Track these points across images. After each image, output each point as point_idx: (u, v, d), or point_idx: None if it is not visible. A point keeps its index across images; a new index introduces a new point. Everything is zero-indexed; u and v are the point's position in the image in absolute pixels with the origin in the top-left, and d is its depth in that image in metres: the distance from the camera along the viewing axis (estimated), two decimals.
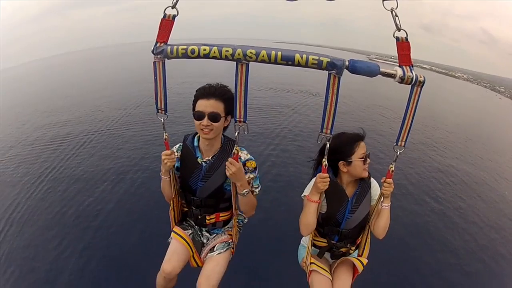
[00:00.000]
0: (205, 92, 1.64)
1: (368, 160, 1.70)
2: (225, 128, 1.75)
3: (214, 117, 1.61)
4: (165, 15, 1.40)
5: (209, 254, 1.87)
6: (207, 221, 1.86)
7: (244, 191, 1.65)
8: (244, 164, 1.70)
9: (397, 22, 1.30)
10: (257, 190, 1.81)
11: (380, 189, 1.65)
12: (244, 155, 1.74)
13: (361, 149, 1.68)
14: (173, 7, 1.39)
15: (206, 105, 1.61)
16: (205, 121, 1.60)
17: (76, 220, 4.70)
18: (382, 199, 1.66)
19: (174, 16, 1.41)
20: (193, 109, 1.66)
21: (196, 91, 1.68)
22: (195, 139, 1.80)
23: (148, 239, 4.09)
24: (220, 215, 1.87)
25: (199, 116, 1.62)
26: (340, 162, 1.70)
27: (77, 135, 8.53)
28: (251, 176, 1.75)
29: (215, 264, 1.81)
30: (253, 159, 1.76)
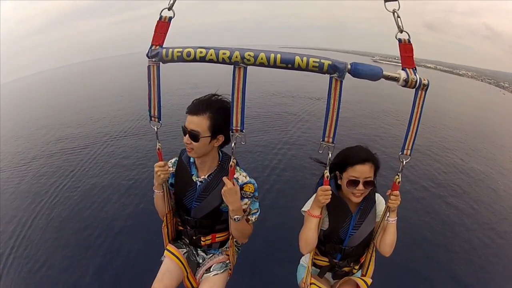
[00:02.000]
0: (193, 106, 1.52)
1: (361, 186, 1.53)
2: (221, 146, 1.62)
3: (193, 136, 1.48)
4: (161, 16, 1.37)
5: (205, 274, 1.78)
6: (202, 242, 1.76)
7: (236, 216, 1.54)
8: (241, 188, 1.57)
9: (399, 24, 1.29)
10: (253, 217, 1.68)
11: (386, 202, 1.57)
12: (242, 177, 1.60)
13: (353, 171, 1.53)
14: (170, 8, 1.36)
15: (190, 121, 1.50)
16: (186, 138, 1.51)
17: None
18: (388, 213, 1.58)
19: (170, 18, 1.38)
20: None
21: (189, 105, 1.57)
22: None
23: (140, 255, 4.14)
24: (217, 236, 1.77)
25: (183, 131, 1.52)
26: (337, 172, 1.64)
27: (98, 145, 8.92)
28: (248, 202, 1.63)
29: (211, 285, 1.73)
30: (252, 182, 1.61)
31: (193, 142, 1.50)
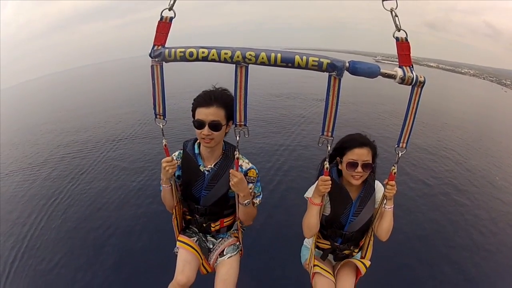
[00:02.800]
0: (205, 99, 1.60)
1: (359, 169, 1.63)
2: (226, 133, 1.72)
3: (215, 126, 1.58)
4: (162, 17, 1.40)
5: (219, 258, 1.88)
6: (212, 228, 1.87)
7: (246, 201, 1.67)
8: (245, 174, 1.71)
9: (397, 22, 1.33)
10: (258, 200, 1.82)
11: (383, 191, 1.66)
12: (245, 164, 1.74)
13: (352, 154, 1.65)
14: (170, 9, 1.40)
15: (207, 113, 1.58)
16: (206, 130, 1.58)
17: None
18: (385, 201, 1.67)
19: (171, 18, 1.41)
20: (193, 116, 1.64)
21: (195, 99, 1.65)
22: (196, 146, 1.78)
23: (152, 249, 4.26)
24: (224, 221, 1.88)
25: (199, 124, 1.59)
26: (338, 158, 1.74)
27: (106, 145, 9.18)
28: (253, 186, 1.76)
29: (228, 267, 1.84)
30: (254, 168, 1.76)
31: (214, 132, 1.60)
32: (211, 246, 1.95)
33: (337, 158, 1.74)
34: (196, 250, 1.81)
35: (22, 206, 6.00)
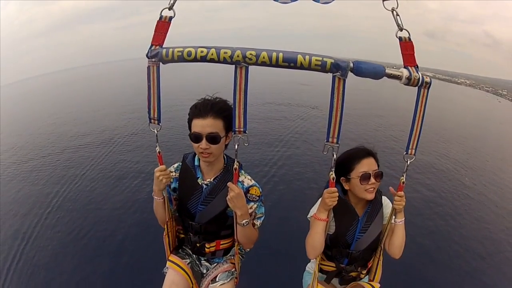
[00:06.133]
0: (201, 109, 1.51)
1: (372, 180, 1.59)
2: (226, 146, 1.63)
3: (213, 139, 1.49)
4: (161, 16, 1.39)
5: (211, 285, 1.78)
6: (206, 249, 1.75)
7: (244, 221, 1.55)
8: (247, 191, 1.61)
9: (399, 22, 1.33)
10: (259, 222, 1.71)
11: (392, 204, 1.60)
12: (247, 180, 1.64)
13: (362, 167, 1.59)
14: (170, 8, 1.39)
15: (203, 125, 1.49)
16: (204, 143, 1.49)
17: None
18: (395, 215, 1.61)
19: (170, 18, 1.40)
20: (189, 128, 1.55)
21: (190, 108, 1.56)
22: (196, 158, 1.70)
23: (140, 268, 4.08)
24: (221, 242, 1.75)
25: (196, 138, 1.50)
26: (341, 178, 1.67)
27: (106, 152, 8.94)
28: (254, 206, 1.65)
29: None
30: (257, 185, 1.65)
31: (212, 146, 1.50)
32: (204, 271, 1.83)
33: (342, 178, 1.67)
34: (186, 273, 1.71)
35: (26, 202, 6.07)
